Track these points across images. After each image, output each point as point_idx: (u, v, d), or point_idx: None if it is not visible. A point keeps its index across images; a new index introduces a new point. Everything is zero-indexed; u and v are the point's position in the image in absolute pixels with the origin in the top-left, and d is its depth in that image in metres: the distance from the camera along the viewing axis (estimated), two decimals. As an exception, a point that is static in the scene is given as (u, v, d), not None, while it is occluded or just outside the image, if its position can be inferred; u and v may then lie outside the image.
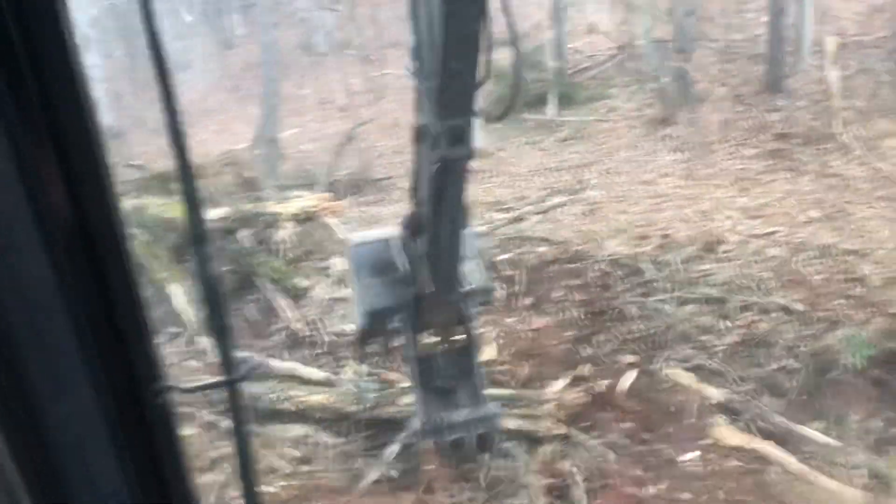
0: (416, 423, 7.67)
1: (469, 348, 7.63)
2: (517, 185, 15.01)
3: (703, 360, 9.02)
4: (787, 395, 8.56)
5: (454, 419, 7.52)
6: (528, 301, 10.67)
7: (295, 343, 10.38)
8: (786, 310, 9.48)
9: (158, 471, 1.44)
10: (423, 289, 6.96)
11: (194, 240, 1.55)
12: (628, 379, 8.84)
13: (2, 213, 1.19)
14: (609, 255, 11.34)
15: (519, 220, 13.07)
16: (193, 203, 1.53)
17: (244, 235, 11.80)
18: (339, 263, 11.80)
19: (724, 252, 10.96)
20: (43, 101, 1.20)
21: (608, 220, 12.57)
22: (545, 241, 12.16)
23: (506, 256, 11.64)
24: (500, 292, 10.79)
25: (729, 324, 9.52)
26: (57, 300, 1.24)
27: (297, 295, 11.26)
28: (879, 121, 14.18)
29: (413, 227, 6.71)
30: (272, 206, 12.43)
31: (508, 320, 10.17)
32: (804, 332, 9.06)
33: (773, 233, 11.21)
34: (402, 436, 8.23)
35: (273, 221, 12.05)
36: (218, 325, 1.65)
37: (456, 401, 7.67)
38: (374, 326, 7.37)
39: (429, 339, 7.54)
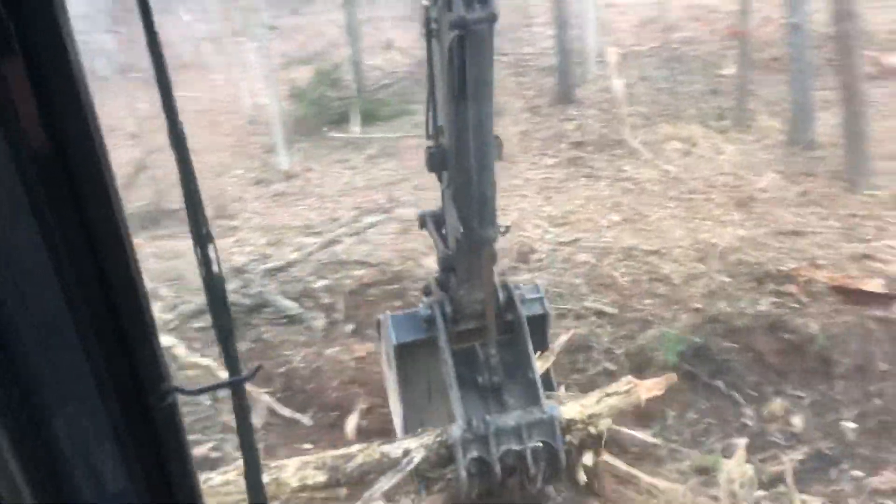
0: (454, 431, 6.23)
1: (519, 335, 6.61)
2: (327, 206, 14.59)
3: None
4: (609, 398, 8.82)
5: (503, 424, 6.21)
6: (349, 328, 10.34)
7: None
8: (599, 313, 9.79)
9: (164, 472, 1.45)
10: (452, 245, 6.20)
11: (197, 242, 1.59)
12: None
13: (2, 217, 1.17)
14: (427, 274, 11.23)
15: (333, 243, 12.67)
16: (195, 206, 1.60)
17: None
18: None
19: (537, 261, 11.20)
20: (41, 105, 1.16)
21: (423, 238, 12.48)
22: (362, 263, 11.88)
23: (322, 283, 11.22)
24: (319, 322, 10.39)
25: (547, 332, 9.67)
26: (60, 302, 1.24)
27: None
28: (662, 125, 15.19)
29: (435, 161, 5.91)
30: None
31: (330, 351, 9.78)
32: (618, 334, 9.39)
33: (579, 239, 11.59)
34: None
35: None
36: (222, 326, 1.69)
37: (504, 401, 6.49)
38: (405, 339, 6.85)
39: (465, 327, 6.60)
